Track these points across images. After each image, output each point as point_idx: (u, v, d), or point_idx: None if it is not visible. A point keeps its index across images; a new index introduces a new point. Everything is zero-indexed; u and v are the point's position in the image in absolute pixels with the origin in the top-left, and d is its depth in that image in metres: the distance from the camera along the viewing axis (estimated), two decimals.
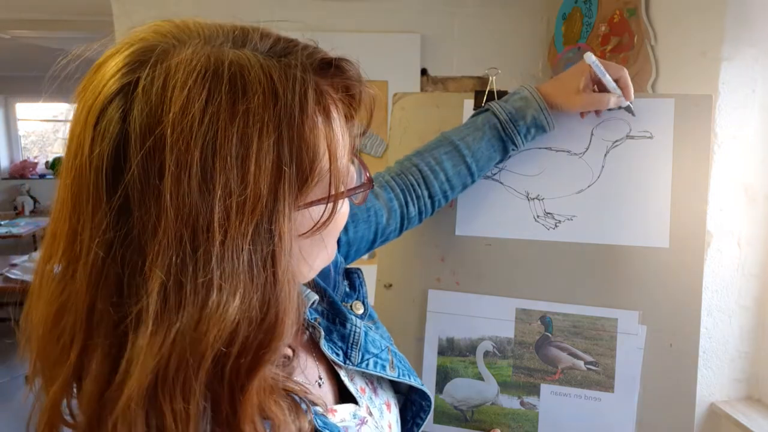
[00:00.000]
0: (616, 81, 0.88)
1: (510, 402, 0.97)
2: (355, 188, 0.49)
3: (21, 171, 5.87)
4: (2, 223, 4.86)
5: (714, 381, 1.29)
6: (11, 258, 3.73)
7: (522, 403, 0.97)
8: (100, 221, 0.39)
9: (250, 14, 1.93)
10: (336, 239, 0.54)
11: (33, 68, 4.62)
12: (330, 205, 0.44)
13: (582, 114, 0.95)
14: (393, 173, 0.88)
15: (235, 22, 0.45)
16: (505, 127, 0.88)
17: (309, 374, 0.58)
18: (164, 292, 0.38)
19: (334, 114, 0.44)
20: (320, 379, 0.60)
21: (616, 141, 0.95)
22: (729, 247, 1.23)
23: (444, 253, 1.02)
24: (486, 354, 0.98)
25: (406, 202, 0.86)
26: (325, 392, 0.59)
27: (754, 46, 1.17)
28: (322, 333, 0.60)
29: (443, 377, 1.00)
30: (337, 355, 0.60)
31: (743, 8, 1.15)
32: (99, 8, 2.18)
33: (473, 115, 0.93)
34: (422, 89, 2.04)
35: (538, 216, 0.98)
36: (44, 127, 6.32)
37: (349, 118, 0.48)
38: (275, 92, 0.40)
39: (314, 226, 0.45)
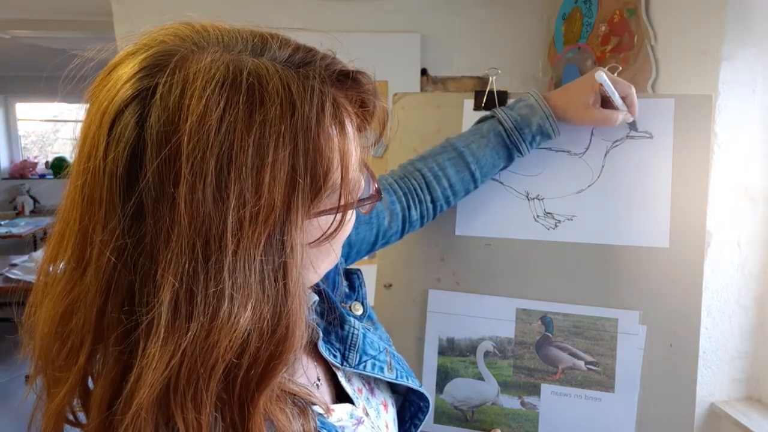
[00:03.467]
0: (623, 98, 0.87)
1: (510, 402, 0.97)
2: (364, 200, 0.50)
3: (21, 171, 5.87)
4: (2, 223, 4.85)
5: (714, 381, 1.29)
6: (11, 258, 3.72)
7: (522, 403, 0.97)
8: (113, 227, 0.38)
9: (250, 14, 1.93)
10: (342, 245, 0.55)
11: (33, 68, 4.62)
12: (339, 215, 0.44)
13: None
14: (396, 176, 0.88)
15: (252, 27, 0.45)
16: (510, 135, 0.88)
17: (309, 375, 0.58)
18: (176, 301, 0.38)
19: (349, 126, 0.44)
20: (318, 380, 0.60)
21: (616, 141, 0.95)
22: (729, 247, 1.23)
23: (444, 253, 1.02)
24: (486, 354, 0.98)
25: (408, 206, 0.86)
26: (323, 392, 0.59)
27: (754, 46, 1.16)
28: (320, 334, 0.60)
29: (443, 377, 1.00)
30: (335, 356, 0.60)
31: (743, 8, 1.15)
32: (99, 8, 2.18)
33: (479, 121, 0.93)
34: (422, 89, 2.04)
35: (538, 216, 0.98)
36: (44, 127, 6.31)
37: (361, 129, 0.48)
38: (293, 103, 0.39)
39: (323, 235, 0.45)
